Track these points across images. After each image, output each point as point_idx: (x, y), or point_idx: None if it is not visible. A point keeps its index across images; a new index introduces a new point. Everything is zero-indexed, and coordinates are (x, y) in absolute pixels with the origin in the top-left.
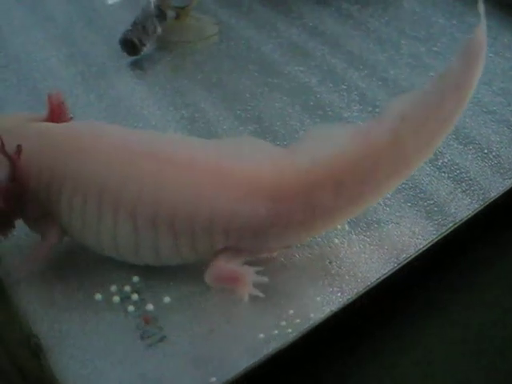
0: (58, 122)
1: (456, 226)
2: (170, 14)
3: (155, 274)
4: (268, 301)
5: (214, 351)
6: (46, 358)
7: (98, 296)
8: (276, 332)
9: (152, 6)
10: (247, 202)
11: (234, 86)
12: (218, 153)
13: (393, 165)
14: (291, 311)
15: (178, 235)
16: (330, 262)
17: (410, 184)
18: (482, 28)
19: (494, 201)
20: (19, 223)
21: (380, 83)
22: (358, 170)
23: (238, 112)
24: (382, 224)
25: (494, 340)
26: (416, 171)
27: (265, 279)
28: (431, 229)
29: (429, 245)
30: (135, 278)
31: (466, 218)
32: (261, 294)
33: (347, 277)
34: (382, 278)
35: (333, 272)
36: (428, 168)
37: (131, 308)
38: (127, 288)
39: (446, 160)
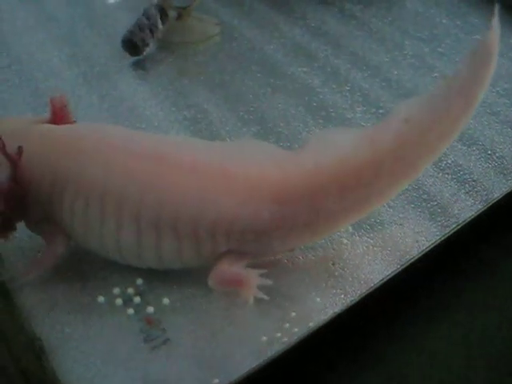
0: (60, 125)
1: (459, 227)
2: (172, 14)
3: (158, 276)
4: (271, 303)
5: (218, 353)
6: (49, 360)
7: (101, 298)
8: (279, 334)
9: (154, 6)
10: (251, 205)
11: (237, 87)
12: (221, 155)
13: (398, 169)
14: (294, 313)
15: (181, 238)
16: (333, 264)
17: (414, 185)
18: (493, 33)
19: (497, 202)
20: (22, 225)
21: (383, 84)
22: (362, 173)
23: (241, 113)
24: (386, 225)
25: (498, 342)
26: None
27: (269, 282)
28: (434, 230)
29: (432, 246)
30: (138, 281)
31: (469, 219)
32: (265, 297)
33: (350, 279)
34: (385, 280)
35: (336, 274)
36: (431, 169)
37: (134, 310)
38: (130, 290)
39: (449, 161)
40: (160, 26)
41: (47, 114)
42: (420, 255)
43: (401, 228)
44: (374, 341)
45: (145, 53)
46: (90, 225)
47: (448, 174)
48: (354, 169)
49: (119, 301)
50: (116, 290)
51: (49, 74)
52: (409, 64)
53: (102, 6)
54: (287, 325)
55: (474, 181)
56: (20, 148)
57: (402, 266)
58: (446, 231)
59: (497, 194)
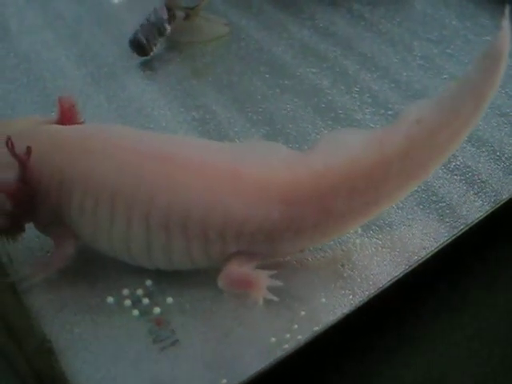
0: (68, 125)
1: (468, 228)
2: (180, 14)
3: (167, 278)
4: (280, 304)
5: (226, 354)
6: (58, 361)
7: (110, 299)
8: (288, 335)
9: (161, 6)
10: (260, 206)
11: (245, 88)
12: (231, 156)
13: (407, 170)
14: (303, 314)
15: (190, 239)
16: (342, 265)
17: (423, 187)
18: (504, 34)
19: (505, 203)
20: (30, 225)
21: (392, 85)
22: (372, 175)
23: (250, 114)
24: (395, 227)
25: (507, 343)
26: None
27: (279, 283)
28: (443, 231)
29: (440, 247)
30: (148, 282)
31: (477, 220)
32: (275, 298)
33: (359, 280)
34: (393, 281)
35: (345, 275)
36: (440, 171)
37: (143, 311)
38: (139, 292)
39: (458, 163)
40: (168, 26)
41: (55, 115)
42: (428, 256)
43: (409, 229)
44: (383, 341)
45: (152, 53)
46: (99, 225)
47: (457, 175)
48: (363, 170)
49: (128, 302)
50: (125, 291)
51: (57, 74)
52: (418, 65)
53: (110, 5)
54: (296, 326)
55: (482, 182)
56: (29, 148)
57: (410, 266)
58: (455, 232)
59: (505, 195)
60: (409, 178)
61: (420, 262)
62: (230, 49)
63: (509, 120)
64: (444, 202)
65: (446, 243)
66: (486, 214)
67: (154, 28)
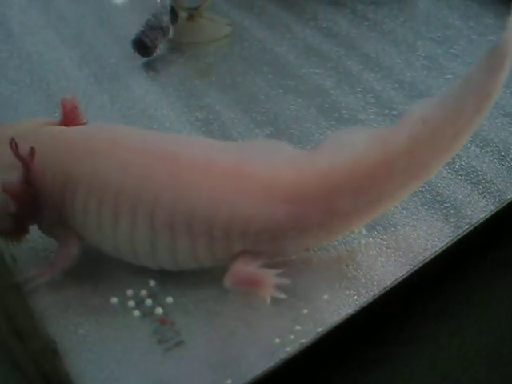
0: (71, 126)
1: (472, 228)
2: (183, 14)
3: (171, 278)
4: (284, 304)
5: (231, 355)
6: (62, 362)
7: (114, 300)
8: (292, 336)
9: (164, 6)
10: (266, 205)
11: (249, 88)
12: (236, 155)
13: (411, 169)
14: (307, 315)
15: (196, 238)
16: (346, 266)
17: (427, 187)
18: (508, 33)
19: (510, 203)
20: (34, 226)
21: (396, 85)
22: (377, 173)
23: (253, 114)
24: (399, 227)
25: None
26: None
27: (286, 281)
28: (447, 231)
29: (445, 247)
30: (152, 282)
31: (482, 220)
32: (283, 296)
33: (363, 280)
34: (398, 281)
35: (349, 275)
36: (445, 171)
37: (147, 312)
38: (143, 292)
39: (463, 163)
40: (171, 26)
41: (58, 116)
42: (433, 256)
43: (414, 229)
44: (387, 341)
45: (155, 53)
46: (103, 225)
47: (461, 175)
48: (368, 169)
49: (132, 302)
50: (129, 292)
51: (60, 75)
52: (422, 65)
53: (112, 6)
54: (300, 326)
55: (487, 182)
56: (32, 149)
57: (414, 267)
58: (459, 232)
59: (510, 195)
60: (412, 177)
61: (424, 262)
62: (233, 49)
63: None
64: (449, 202)
65: (450, 243)
66: (490, 214)
67: (157, 29)
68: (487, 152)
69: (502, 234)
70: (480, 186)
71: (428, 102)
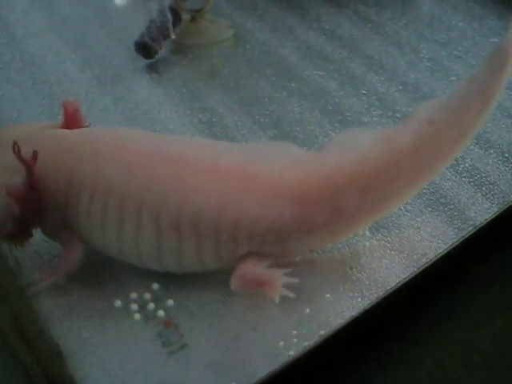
0: (74, 129)
1: (476, 230)
2: (185, 16)
3: (176, 281)
4: (288, 307)
5: (235, 358)
6: (67, 365)
7: (118, 303)
8: (296, 339)
9: (167, 8)
10: (272, 206)
11: (252, 91)
12: (242, 156)
13: (416, 170)
14: (311, 317)
15: (202, 240)
16: (350, 268)
17: (431, 189)
18: (511, 36)
19: None
20: (38, 229)
21: (400, 87)
22: (382, 174)
23: (257, 117)
24: (403, 229)
25: None
26: (437, 177)
27: (295, 280)
28: (451, 233)
29: (449, 249)
30: (156, 286)
31: (486, 222)
32: (292, 294)
33: (367, 282)
34: (402, 283)
35: (353, 278)
36: (449, 173)
37: (151, 315)
38: (147, 295)
39: (466, 165)
40: (173, 28)
41: (61, 119)
42: (437, 258)
43: (418, 231)
44: (391, 343)
45: (158, 56)
46: (107, 228)
47: (465, 177)
48: (373, 169)
49: (136, 305)
50: (133, 295)
51: (62, 77)
52: (425, 67)
53: (115, 8)
54: (304, 329)
55: (491, 184)
56: (35, 153)
57: (418, 269)
58: (463, 234)
59: None
60: (417, 177)
61: (428, 264)
62: (236, 51)
63: None
64: (452, 204)
65: (454, 245)
66: (494, 216)
67: (159, 31)
68: (491, 154)
69: (505, 236)
70: (484, 188)
71: (433, 104)
